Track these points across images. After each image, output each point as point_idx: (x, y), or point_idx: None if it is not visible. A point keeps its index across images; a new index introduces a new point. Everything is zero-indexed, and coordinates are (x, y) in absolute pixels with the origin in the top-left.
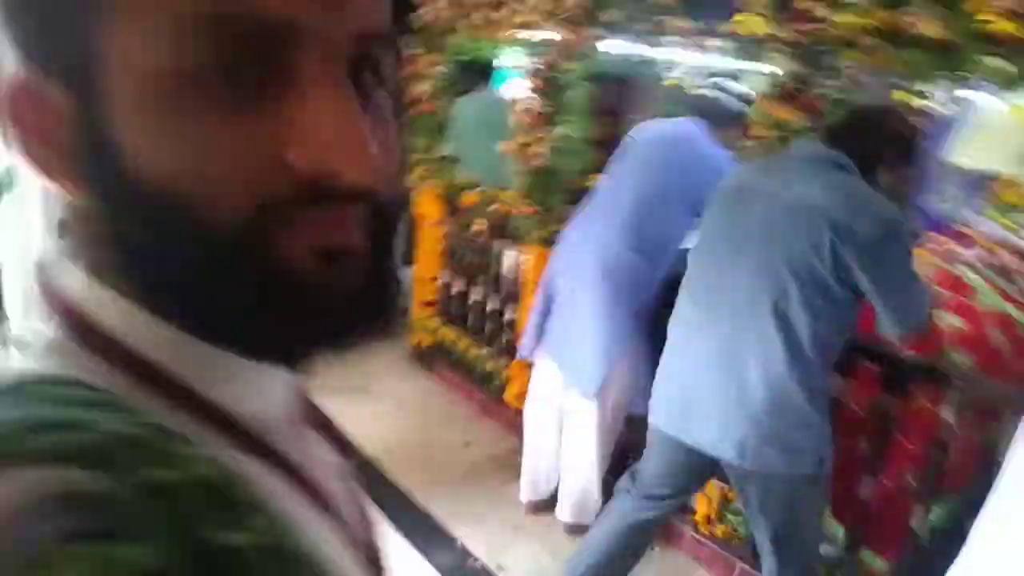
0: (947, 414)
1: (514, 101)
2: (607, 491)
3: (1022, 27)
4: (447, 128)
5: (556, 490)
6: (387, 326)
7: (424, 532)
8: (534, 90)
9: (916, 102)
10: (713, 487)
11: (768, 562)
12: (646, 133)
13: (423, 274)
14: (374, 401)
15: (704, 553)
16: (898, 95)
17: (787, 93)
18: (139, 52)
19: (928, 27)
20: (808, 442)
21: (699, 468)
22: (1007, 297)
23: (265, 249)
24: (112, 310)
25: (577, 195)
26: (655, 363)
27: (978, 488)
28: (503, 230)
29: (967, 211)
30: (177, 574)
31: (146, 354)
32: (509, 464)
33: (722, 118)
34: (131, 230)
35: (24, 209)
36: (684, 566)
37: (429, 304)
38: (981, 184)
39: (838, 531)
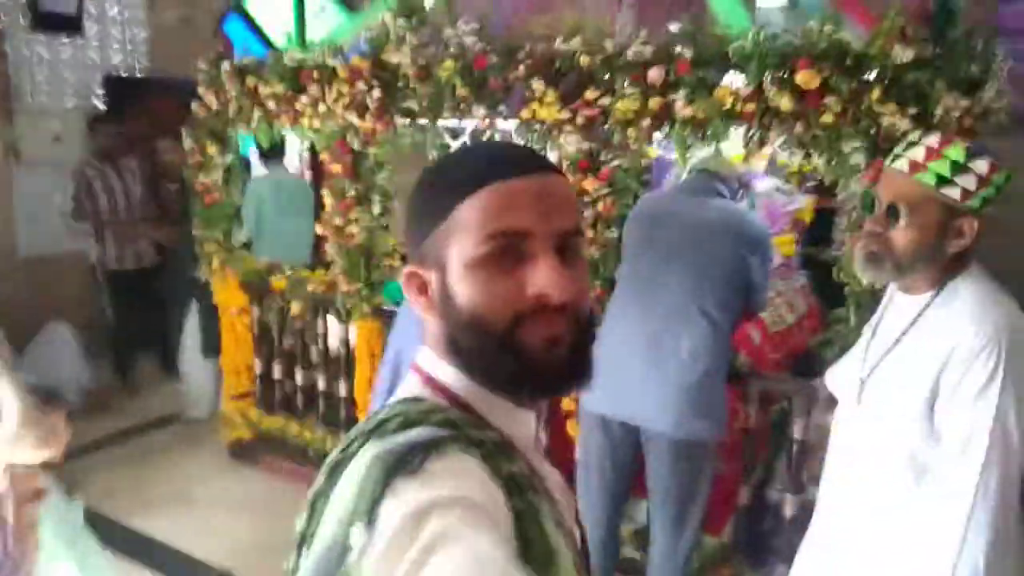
0: (750, 407)
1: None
2: None
3: (759, 107)
4: (242, 215)
5: None
6: (583, 385)
7: None
8: (341, 173)
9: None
10: None
11: (660, 543)
12: None
13: (233, 366)
14: (204, 509)
15: None
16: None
17: (583, 167)
18: (462, 252)
19: (687, 110)
20: (720, 411)
21: (631, 443)
22: None
23: (519, 341)
24: (451, 375)
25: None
26: None
27: (773, 462)
28: (325, 310)
29: None
30: (499, 480)
31: (466, 398)
32: None
33: None
34: (456, 333)
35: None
36: None
37: (244, 396)
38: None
39: None
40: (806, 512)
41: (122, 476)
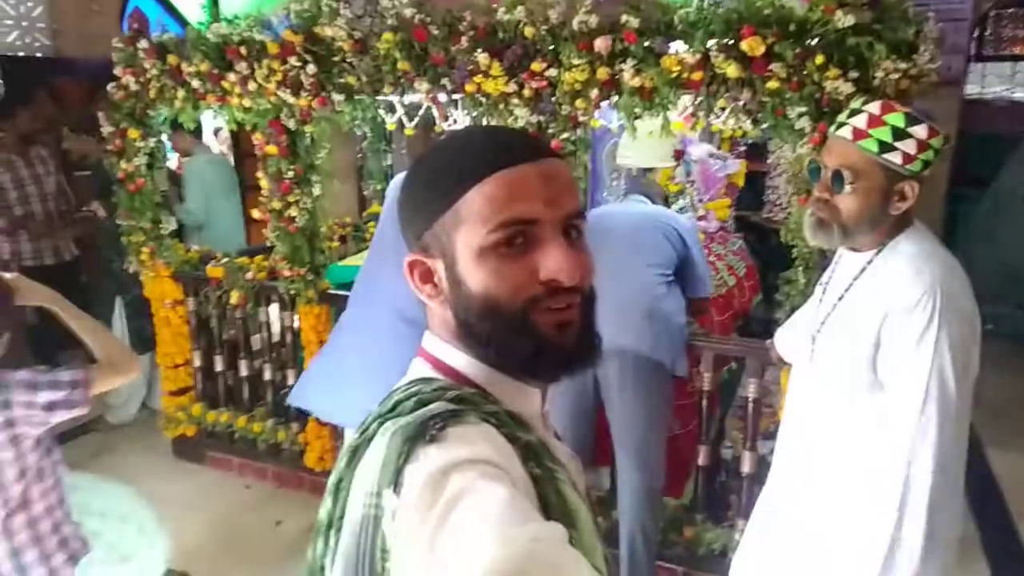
0: (703, 369)
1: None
2: None
3: (706, 75)
4: (185, 199)
5: None
6: (593, 363)
7: None
8: (277, 154)
9: None
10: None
11: (626, 480)
12: None
13: (170, 361)
14: (156, 509)
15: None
16: None
17: None
18: (471, 240)
19: (635, 80)
20: (678, 345)
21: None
22: None
23: (531, 325)
24: (460, 359)
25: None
26: None
27: (724, 421)
28: (267, 298)
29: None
30: (511, 447)
31: (475, 380)
32: None
33: None
34: (468, 319)
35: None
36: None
37: (183, 392)
38: (642, 177)
39: None
40: (762, 467)
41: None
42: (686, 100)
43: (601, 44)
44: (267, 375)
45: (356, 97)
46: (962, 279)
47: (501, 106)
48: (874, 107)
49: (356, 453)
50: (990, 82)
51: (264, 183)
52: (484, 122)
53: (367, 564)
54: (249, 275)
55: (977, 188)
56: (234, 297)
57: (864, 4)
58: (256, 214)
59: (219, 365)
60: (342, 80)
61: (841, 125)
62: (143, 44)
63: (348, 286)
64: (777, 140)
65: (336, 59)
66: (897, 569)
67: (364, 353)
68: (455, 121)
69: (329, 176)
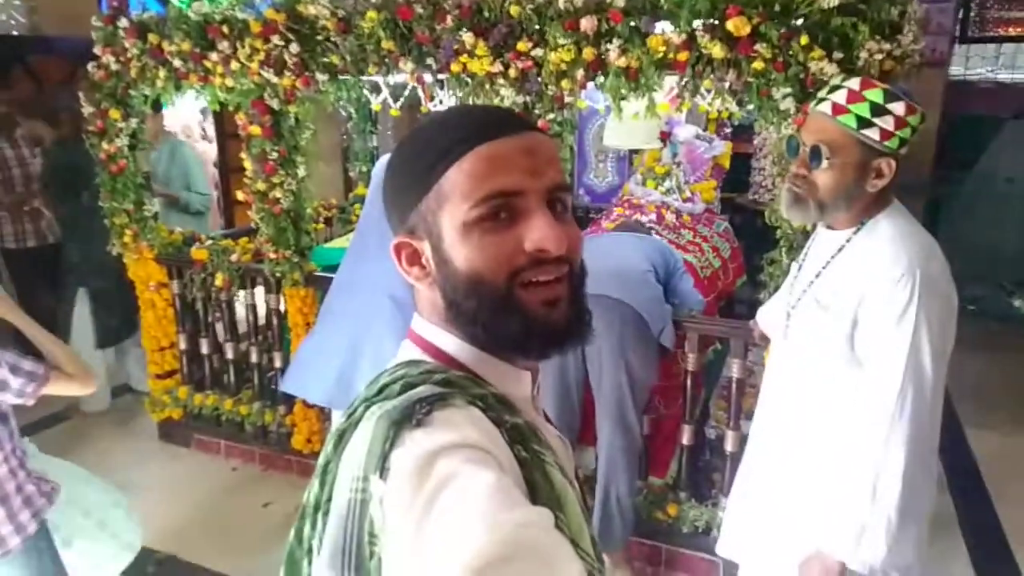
0: (688, 350)
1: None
2: None
3: (692, 55)
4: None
5: None
6: (584, 339)
7: None
8: (261, 135)
9: None
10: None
11: (604, 435)
12: None
13: (155, 344)
14: (140, 494)
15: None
16: None
17: None
18: (455, 217)
19: (621, 60)
20: (664, 320)
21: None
22: (679, 247)
23: (517, 302)
24: (449, 341)
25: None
26: None
27: (708, 401)
28: (252, 280)
29: (632, 185)
30: (498, 430)
31: (464, 362)
32: None
33: None
34: (455, 297)
35: None
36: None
37: (169, 375)
38: (629, 159)
39: None
40: (746, 447)
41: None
42: (671, 81)
43: (587, 24)
44: (253, 357)
45: (340, 77)
46: (940, 259)
47: (487, 86)
48: (854, 83)
49: (343, 437)
50: (974, 63)
51: (248, 164)
52: (470, 102)
53: (354, 548)
54: (234, 257)
55: (960, 170)
56: (219, 279)
57: None
58: (240, 195)
59: (205, 348)
60: (326, 59)
61: (821, 100)
62: (123, 23)
63: (334, 268)
64: (762, 121)
65: (320, 38)
66: (872, 542)
67: (355, 336)
68: (441, 102)
69: (314, 157)
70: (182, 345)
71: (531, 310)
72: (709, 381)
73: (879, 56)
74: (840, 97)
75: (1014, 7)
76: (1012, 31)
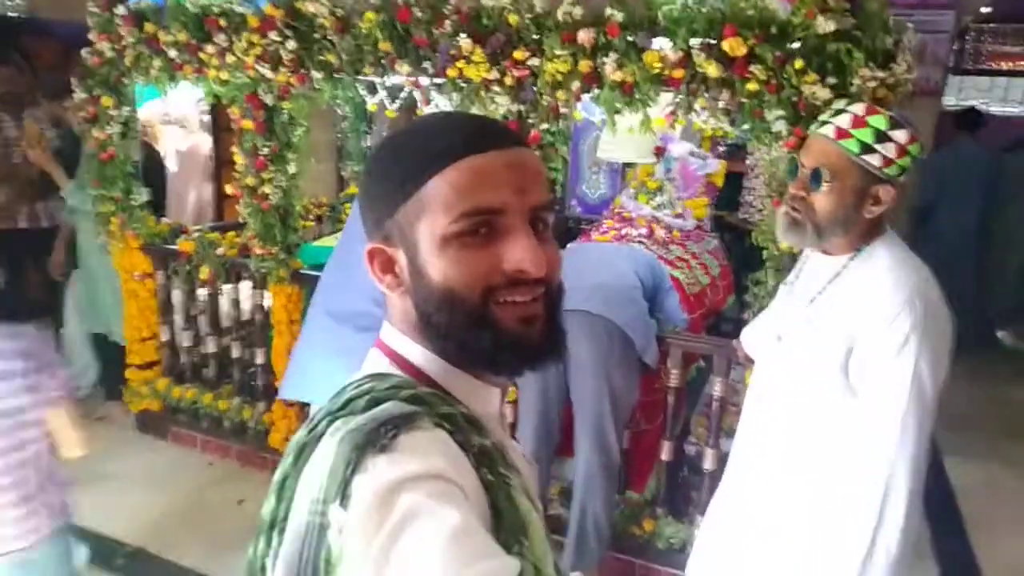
0: (672, 366)
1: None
2: None
3: (687, 73)
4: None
5: None
6: (558, 358)
7: None
8: (253, 130)
9: None
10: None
11: (583, 451)
12: None
13: (136, 334)
14: (116, 484)
15: None
16: None
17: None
18: (434, 228)
19: (617, 74)
20: (649, 339)
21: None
22: (667, 262)
23: (491, 319)
24: (418, 353)
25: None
26: None
27: (689, 418)
28: (237, 275)
29: (624, 198)
30: (469, 453)
31: (433, 376)
32: None
33: None
34: (428, 310)
35: None
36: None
37: (149, 366)
38: (622, 172)
39: None
40: (725, 465)
41: None
42: (667, 97)
43: (584, 36)
44: (235, 353)
45: (336, 76)
46: (937, 288)
47: (482, 93)
48: (858, 108)
49: (303, 451)
50: (968, 94)
51: (239, 158)
52: (464, 108)
53: (309, 573)
54: (220, 251)
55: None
56: (204, 272)
57: (846, 10)
58: (229, 189)
59: (186, 341)
60: (322, 58)
61: (824, 123)
62: (120, 10)
63: (321, 267)
64: (755, 142)
65: (317, 36)
66: (874, 573)
67: (344, 339)
68: (436, 106)
69: (307, 155)
70: (163, 337)
71: (506, 327)
72: (692, 398)
73: (872, 83)
74: (844, 122)
75: (1009, 42)
76: (1005, 65)
